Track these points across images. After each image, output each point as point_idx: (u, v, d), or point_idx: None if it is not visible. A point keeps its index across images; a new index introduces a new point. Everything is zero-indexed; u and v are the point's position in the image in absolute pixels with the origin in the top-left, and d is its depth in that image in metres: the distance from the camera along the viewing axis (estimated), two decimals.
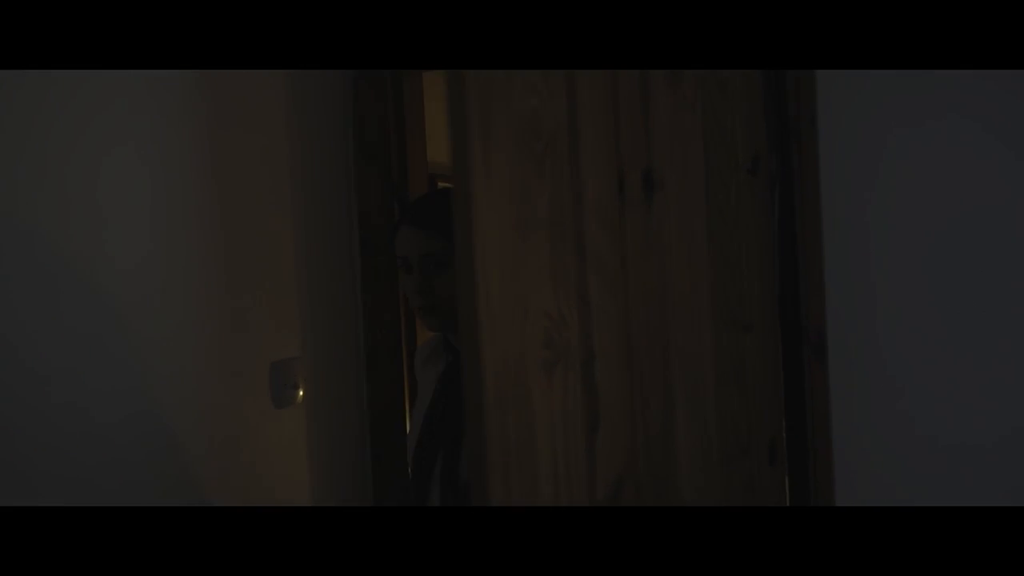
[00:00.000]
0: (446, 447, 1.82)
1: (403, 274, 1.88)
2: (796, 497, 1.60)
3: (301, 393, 2.13)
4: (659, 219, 1.40)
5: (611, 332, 1.33)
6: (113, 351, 1.73)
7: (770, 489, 1.57)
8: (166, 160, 1.84)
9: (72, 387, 1.67)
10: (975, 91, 1.52)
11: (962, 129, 1.54)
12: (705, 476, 1.46)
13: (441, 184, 2.93)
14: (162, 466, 1.82)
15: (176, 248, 1.86)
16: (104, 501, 1.71)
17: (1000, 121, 1.52)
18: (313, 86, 2.19)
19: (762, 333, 1.55)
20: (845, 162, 1.59)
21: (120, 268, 1.75)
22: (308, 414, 2.16)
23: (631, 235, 1.35)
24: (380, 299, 2.26)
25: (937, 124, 1.55)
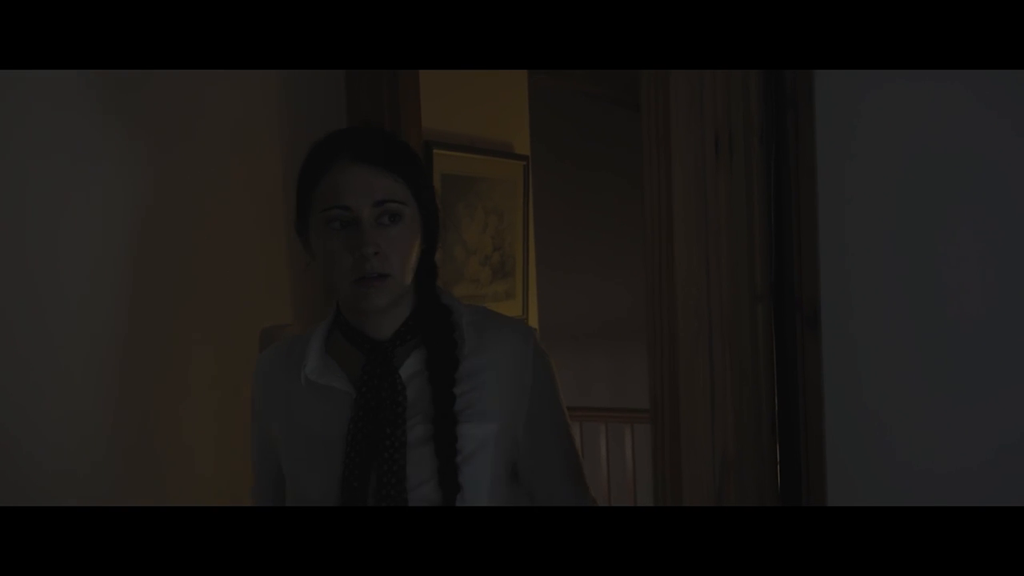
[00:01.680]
0: (384, 464, 1.40)
1: (331, 232, 1.40)
2: (785, 464, 1.60)
3: None
4: (735, 181, 1.43)
5: (718, 301, 1.38)
6: (105, 319, 1.73)
7: (771, 458, 1.58)
8: (161, 128, 1.83)
9: (60, 354, 1.66)
10: (978, 69, 1.51)
11: (965, 103, 1.54)
12: (756, 453, 1.50)
13: (437, 152, 2.91)
14: (153, 432, 1.83)
15: (168, 215, 1.85)
16: (98, 468, 1.71)
17: (1002, 97, 1.52)
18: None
19: (767, 303, 1.56)
20: (842, 131, 1.58)
21: (112, 235, 1.74)
22: None
23: (724, 197, 1.40)
24: None
25: (939, 99, 1.55)
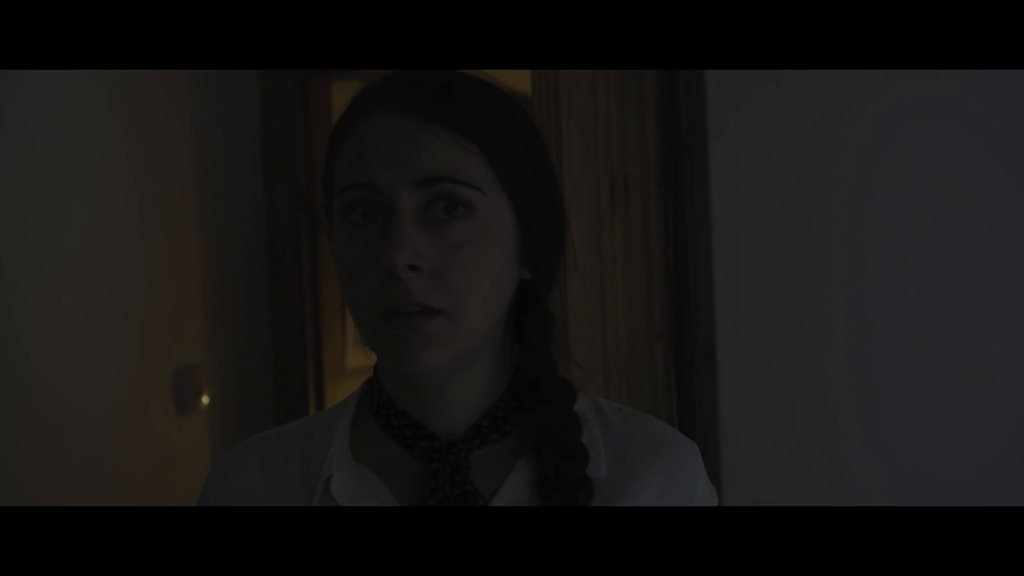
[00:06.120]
0: None
1: (348, 231, 0.81)
2: None
3: (206, 399, 2.14)
4: (632, 226, 1.48)
5: (616, 339, 1.41)
6: (14, 355, 1.72)
7: None
8: (73, 167, 1.83)
9: None
10: (867, 95, 1.62)
11: (850, 137, 1.64)
12: None
13: None
14: (61, 469, 1.82)
15: (80, 255, 1.85)
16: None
17: (892, 126, 1.62)
18: (218, 95, 2.20)
19: (666, 342, 1.63)
20: (736, 172, 1.67)
21: (25, 271, 1.74)
22: (213, 420, 2.16)
23: (619, 240, 1.44)
24: (289, 306, 2.28)
25: (823, 134, 1.64)
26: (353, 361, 2.80)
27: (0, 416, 1.71)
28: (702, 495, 0.89)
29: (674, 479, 0.87)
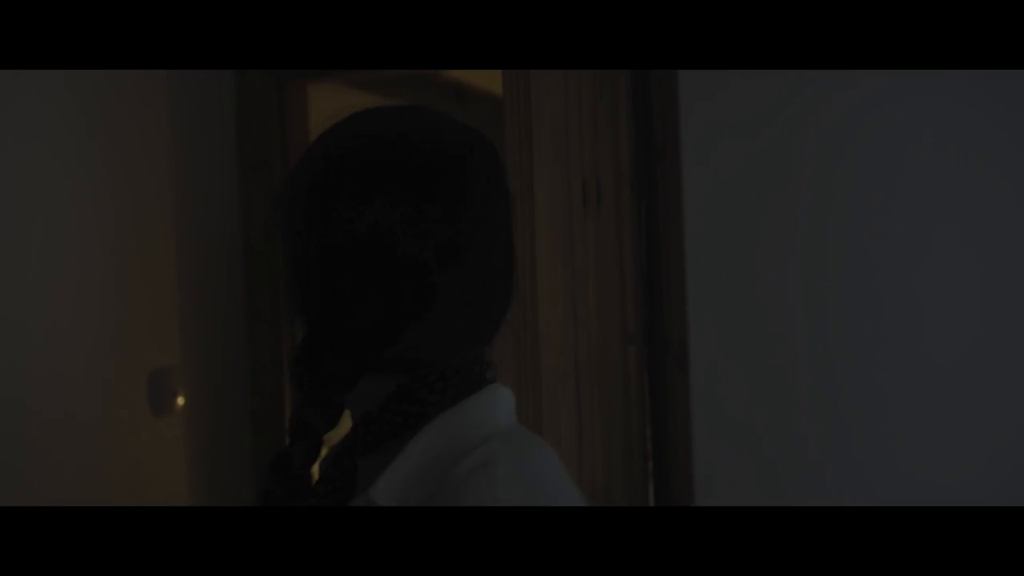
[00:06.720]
0: None
1: None
2: (658, 497, 1.68)
3: (181, 401, 2.13)
4: (604, 229, 1.48)
5: (588, 341, 1.42)
6: None
7: (642, 489, 1.65)
8: (47, 168, 1.83)
9: None
10: (843, 97, 1.63)
11: (825, 139, 1.65)
12: (627, 485, 1.55)
13: None
14: (36, 471, 1.81)
15: (55, 256, 1.85)
16: None
17: (866, 128, 1.63)
18: (195, 96, 2.20)
19: (639, 344, 1.64)
20: (710, 175, 1.68)
21: None
22: (188, 423, 2.16)
23: (594, 243, 1.44)
24: (266, 309, 2.27)
25: (797, 136, 1.66)
26: None
27: None
28: None
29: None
